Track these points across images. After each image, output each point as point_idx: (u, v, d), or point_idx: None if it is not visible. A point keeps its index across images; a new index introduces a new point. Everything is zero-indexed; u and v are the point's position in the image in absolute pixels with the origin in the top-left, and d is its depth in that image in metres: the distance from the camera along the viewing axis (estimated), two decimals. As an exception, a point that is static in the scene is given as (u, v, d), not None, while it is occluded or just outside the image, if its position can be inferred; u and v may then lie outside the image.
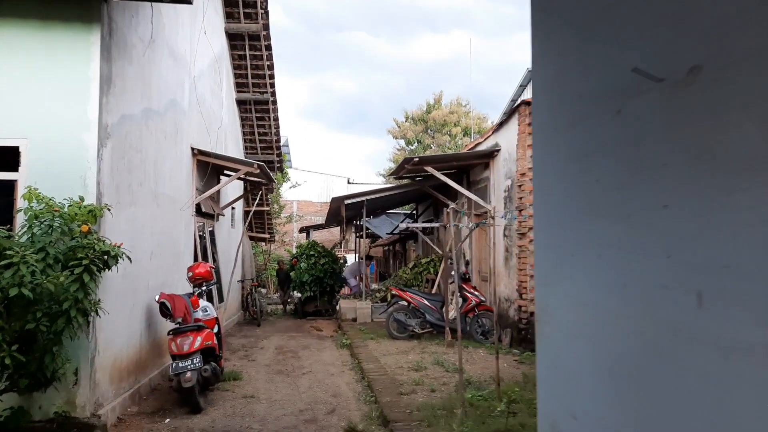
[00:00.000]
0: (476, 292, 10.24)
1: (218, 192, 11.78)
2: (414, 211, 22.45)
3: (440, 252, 14.26)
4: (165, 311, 6.89)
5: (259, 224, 17.97)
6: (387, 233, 21.79)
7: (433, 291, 12.47)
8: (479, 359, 8.67)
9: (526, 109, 9.24)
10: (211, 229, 11.32)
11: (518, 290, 9.33)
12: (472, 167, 12.25)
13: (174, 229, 8.42)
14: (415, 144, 45.90)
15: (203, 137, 10.05)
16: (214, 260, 11.14)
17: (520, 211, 9.26)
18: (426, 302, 10.39)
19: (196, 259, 9.69)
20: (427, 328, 10.32)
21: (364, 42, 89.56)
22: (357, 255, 26.57)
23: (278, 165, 16.18)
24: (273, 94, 13.96)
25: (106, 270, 5.41)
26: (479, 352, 9.21)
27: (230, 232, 13.49)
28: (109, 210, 5.56)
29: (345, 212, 13.24)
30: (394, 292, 10.68)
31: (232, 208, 13.88)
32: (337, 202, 13.24)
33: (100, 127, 5.59)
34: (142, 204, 6.86)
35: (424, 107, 45.76)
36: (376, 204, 15.03)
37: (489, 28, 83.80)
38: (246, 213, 17.10)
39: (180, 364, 6.16)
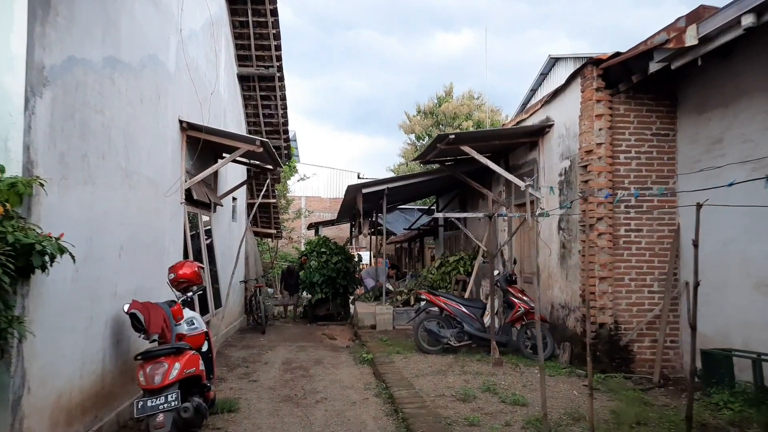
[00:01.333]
0: (525, 297, 8.46)
1: (215, 178, 10.08)
2: (433, 205, 20.70)
3: (476, 248, 12.48)
4: (137, 325, 5.20)
5: (265, 218, 16.27)
6: (404, 228, 20.06)
7: (467, 295, 10.69)
8: (534, 380, 6.90)
9: (593, 71, 7.44)
10: (206, 221, 9.62)
11: (582, 296, 7.55)
12: (511, 149, 10.47)
13: (156, 220, 6.71)
14: (425, 138, 44.23)
15: (195, 110, 8.33)
16: (211, 258, 9.44)
17: (585, 197, 7.48)
18: (463, 309, 8.63)
19: (186, 256, 7.99)
20: (465, 340, 8.56)
21: (374, 41, 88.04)
22: (371, 253, 24.85)
23: (285, 152, 14.46)
24: (279, 68, 12.24)
25: (36, 272, 3.73)
26: (533, 371, 7.45)
27: (231, 226, 11.79)
28: (42, 185, 3.85)
29: (362, 204, 11.50)
30: (423, 296, 8.94)
31: (233, 198, 12.16)
32: (353, 192, 11.49)
33: (30, 66, 3.88)
34: (105, 183, 5.15)
35: (435, 101, 44.12)
36: (398, 194, 13.28)
37: (501, 27, 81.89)
38: (250, 205, 15.41)
39: (149, 404, 4.45)
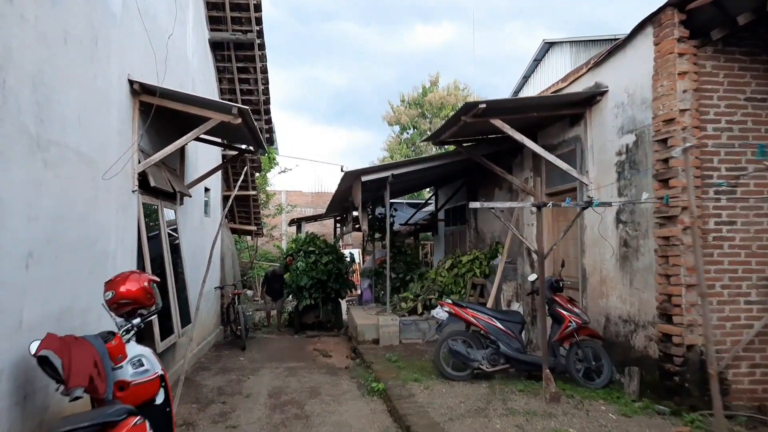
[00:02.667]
0: (576, 309, 6.74)
1: (182, 163, 8.15)
2: (430, 200, 18.96)
3: (492, 246, 10.74)
4: (52, 373, 3.37)
5: (244, 213, 14.34)
6: (400, 224, 18.27)
7: (490, 303, 8.94)
8: (611, 425, 5.17)
9: (673, 15, 5.71)
10: (171, 216, 7.69)
11: (660, 308, 5.84)
12: (541, 127, 8.73)
13: (93, 212, 4.81)
14: (411, 130, 42.55)
15: (151, 73, 6.39)
16: (177, 262, 7.52)
17: (664, 181, 5.78)
18: (498, 325, 6.87)
19: (141, 262, 6.08)
20: (501, 363, 6.80)
21: (353, 32, 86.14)
22: (360, 251, 22.98)
23: (267, 136, 12.53)
24: (260, 34, 10.31)
25: None
26: (598, 405, 5.73)
27: (203, 223, 9.85)
28: None
29: (361, 194, 9.65)
30: (446, 308, 7.15)
31: (206, 189, 10.23)
32: (350, 180, 9.64)
33: None
34: (-9, 154, 3.26)
35: (420, 90, 42.48)
36: (401, 184, 11.46)
37: (479, 20, 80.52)
38: (226, 198, 13.44)
39: None
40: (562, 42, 23.81)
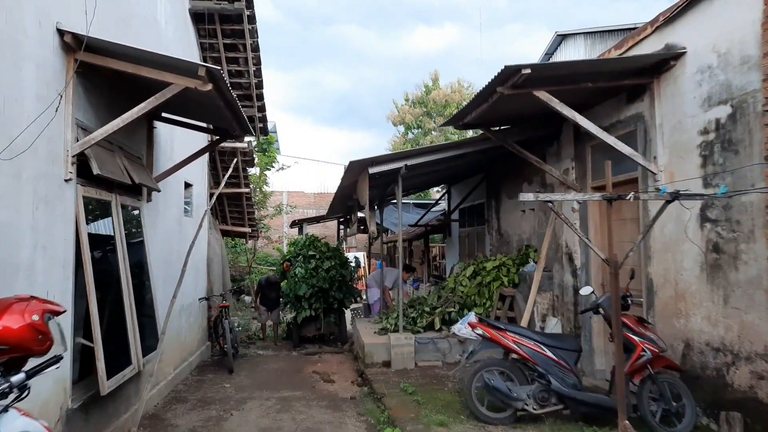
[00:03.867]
0: (650, 333, 5.20)
1: (150, 149, 6.65)
2: (441, 199, 17.47)
3: (522, 250, 9.23)
4: None
5: (237, 213, 12.85)
6: (409, 225, 16.80)
7: (524, 320, 7.42)
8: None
9: (799, -61, 4.20)
10: (135, 214, 6.19)
11: (777, 336, 4.33)
12: (588, 106, 7.22)
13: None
14: (416, 129, 41.17)
15: (102, 27, 4.90)
16: (138, 273, 6.02)
17: (785, 163, 4.26)
18: (547, 353, 5.34)
19: (78, 276, 4.59)
20: (552, 404, 5.28)
21: (354, 36, 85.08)
22: (364, 254, 21.47)
23: (261, 125, 11.04)
24: (249, 4, 8.84)
25: None
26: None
27: (183, 224, 8.36)
28: None
29: (368, 190, 8.12)
30: (479, 330, 5.60)
31: (187, 184, 8.74)
32: (356, 171, 8.11)
33: None
34: None
35: (423, 89, 41.13)
36: (415, 178, 9.99)
37: (481, 22, 79.12)
38: (212, 196, 11.96)
39: None
40: (576, 34, 22.27)
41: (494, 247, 10.74)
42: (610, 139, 5.82)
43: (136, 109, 4.67)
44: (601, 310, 5.30)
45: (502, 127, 7.91)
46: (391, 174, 8.31)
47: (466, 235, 13.55)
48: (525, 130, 7.72)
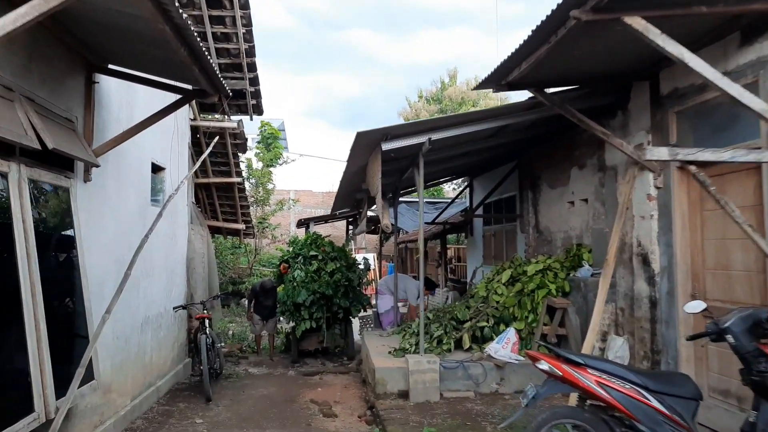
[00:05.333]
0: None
1: (88, 111, 4.95)
2: (460, 195, 15.72)
3: (571, 250, 7.45)
4: None
5: (228, 208, 11.18)
6: (426, 222, 15.02)
7: (587, 345, 5.63)
8: None
9: None
10: (61, 197, 4.50)
11: None
12: (668, 62, 5.45)
13: None
14: (430, 127, 39.45)
15: None
16: (63, 279, 4.34)
17: None
18: (650, 400, 3.56)
19: None
20: (659, 478, 3.51)
21: (365, 40, 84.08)
22: (374, 255, 19.75)
23: (253, 102, 9.37)
24: (236, -55, 7.18)
25: None
26: None
27: (147, 216, 6.65)
28: None
29: (380, 174, 6.36)
30: (544, 364, 3.82)
31: (156, 166, 7.05)
32: (364, 147, 6.30)
33: None
34: None
35: (439, 85, 39.36)
36: (435, 164, 8.26)
37: (492, 29, 77.40)
38: (203, 186, 10.33)
39: None
40: None
41: (531, 247, 8.96)
42: (734, 89, 4.02)
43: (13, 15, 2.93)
44: (728, 337, 3.52)
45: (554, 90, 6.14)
46: (409, 153, 6.59)
47: (491, 234, 11.78)
48: (590, 95, 5.96)
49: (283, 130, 33.60)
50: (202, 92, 5.07)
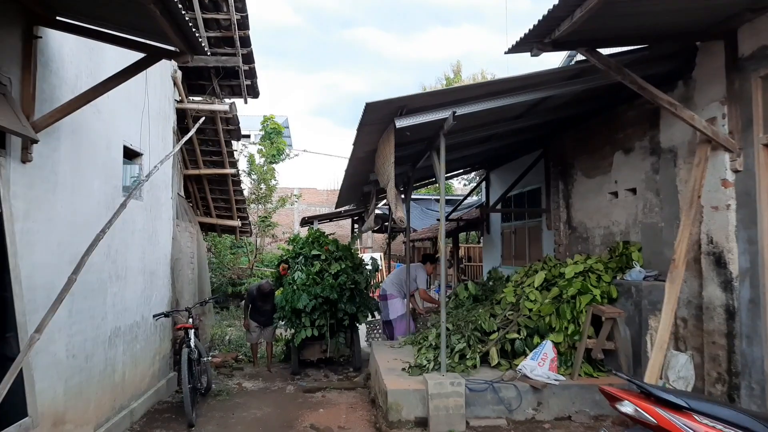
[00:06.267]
0: None
1: (27, 71, 3.92)
2: (473, 191, 14.70)
3: (615, 248, 6.37)
4: None
5: (223, 203, 10.16)
6: (446, 218, 13.96)
7: (652, 372, 4.56)
8: None
9: None
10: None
11: None
12: (734, 23, 4.39)
13: None
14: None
15: None
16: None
17: None
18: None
19: None
20: None
21: (372, 38, 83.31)
22: (382, 255, 18.73)
23: (248, 83, 8.34)
24: None
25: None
26: None
27: (114, 206, 5.62)
28: None
29: (393, 158, 5.33)
30: (630, 406, 2.79)
31: (133, 152, 6.02)
32: (375, 126, 5.28)
33: None
34: None
35: (444, 82, 38.31)
36: (457, 147, 7.19)
37: (500, 26, 76.22)
38: (189, 179, 9.32)
39: None
40: None
41: (562, 246, 7.89)
42: None
43: None
44: None
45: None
46: (425, 136, 5.55)
47: (511, 232, 10.72)
48: (648, 61, 4.91)
49: (288, 127, 32.70)
50: (173, 52, 4.05)
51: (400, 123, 4.96)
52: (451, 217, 13.06)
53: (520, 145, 9.24)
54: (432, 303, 8.58)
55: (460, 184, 28.45)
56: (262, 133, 22.93)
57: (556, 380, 5.38)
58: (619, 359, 5.52)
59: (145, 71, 5.81)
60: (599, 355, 5.52)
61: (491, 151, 9.85)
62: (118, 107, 5.60)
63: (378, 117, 4.93)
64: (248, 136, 25.81)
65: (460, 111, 4.92)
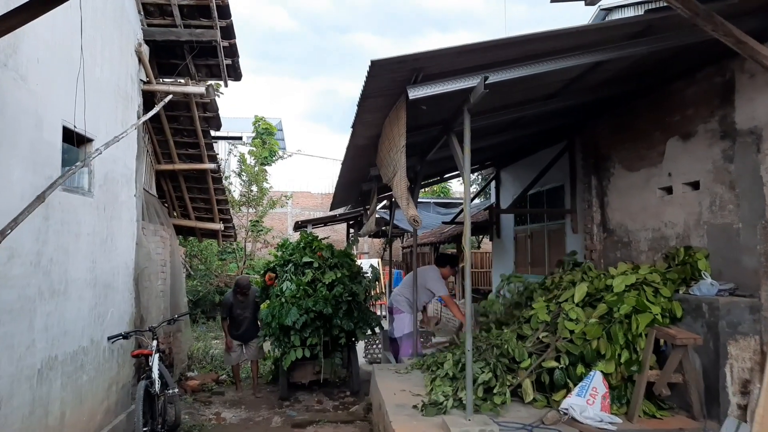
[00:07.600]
0: None
1: None
2: (482, 193, 13.58)
3: (674, 253, 5.20)
4: None
5: (202, 203, 8.97)
6: (444, 222, 12.92)
7: (763, 411, 3.43)
8: None
9: None
10: None
11: None
12: None
13: None
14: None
15: None
16: None
17: None
18: None
19: None
20: None
21: (369, 43, 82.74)
22: (380, 261, 17.54)
23: (228, 62, 7.17)
24: None
25: None
26: None
27: (51, 206, 4.43)
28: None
29: (404, 140, 4.20)
30: None
31: (79, 137, 4.82)
32: (385, 91, 4.11)
33: None
34: None
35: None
36: (476, 125, 6.01)
37: (496, 30, 75.66)
38: (163, 174, 8.15)
39: None
40: (624, 6, 18.36)
41: (595, 251, 6.74)
42: None
43: None
44: None
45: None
46: (440, 118, 4.39)
47: (527, 236, 9.57)
48: (741, 15, 3.79)
49: (281, 130, 31.66)
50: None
51: (414, 93, 3.80)
52: (455, 219, 11.90)
53: (539, 137, 8.12)
54: (457, 315, 7.33)
55: (459, 187, 27.38)
56: (254, 132, 21.92)
57: (611, 423, 4.22)
58: (688, 395, 4.37)
59: (98, 40, 4.66)
60: (664, 390, 4.36)
61: (503, 146, 8.73)
62: (56, 78, 4.43)
63: (385, 84, 3.76)
64: (240, 138, 24.72)
65: (493, 78, 3.76)
